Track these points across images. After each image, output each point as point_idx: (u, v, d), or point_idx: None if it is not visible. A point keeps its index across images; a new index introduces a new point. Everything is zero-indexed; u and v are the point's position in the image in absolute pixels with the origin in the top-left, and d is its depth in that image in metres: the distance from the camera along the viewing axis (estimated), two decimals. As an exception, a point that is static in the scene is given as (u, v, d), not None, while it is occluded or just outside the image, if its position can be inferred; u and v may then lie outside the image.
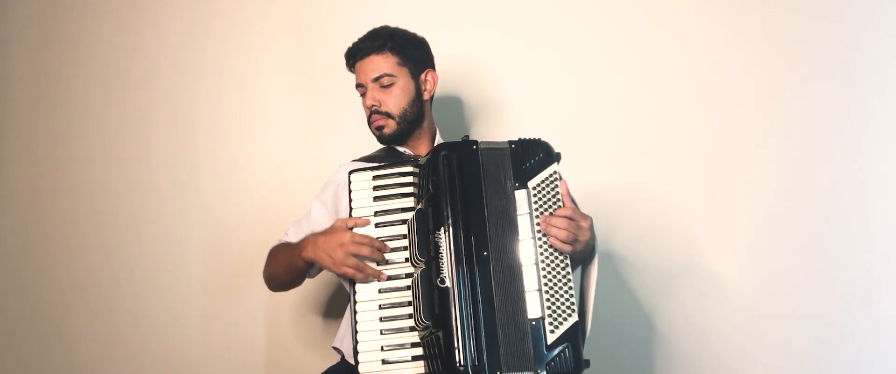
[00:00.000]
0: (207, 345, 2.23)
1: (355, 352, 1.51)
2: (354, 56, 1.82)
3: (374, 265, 1.54)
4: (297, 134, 2.31)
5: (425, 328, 1.47)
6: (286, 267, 1.69)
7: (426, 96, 1.84)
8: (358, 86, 1.83)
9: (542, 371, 1.43)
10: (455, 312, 1.43)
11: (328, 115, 2.30)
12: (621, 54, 2.26)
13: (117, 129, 2.39)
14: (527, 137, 1.57)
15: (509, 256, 1.49)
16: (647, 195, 2.18)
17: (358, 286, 1.55)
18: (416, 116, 1.81)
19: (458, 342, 1.42)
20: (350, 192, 1.61)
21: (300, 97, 2.32)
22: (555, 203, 1.52)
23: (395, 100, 1.79)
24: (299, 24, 2.35)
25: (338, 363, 1.79)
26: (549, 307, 1.46)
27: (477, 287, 1.45)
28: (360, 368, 1.50)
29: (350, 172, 1.63)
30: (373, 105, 1.79)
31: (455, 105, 2.27)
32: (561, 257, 1.49)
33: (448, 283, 1.45)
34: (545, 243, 1.49)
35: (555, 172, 1.54)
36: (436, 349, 1.45)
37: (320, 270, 1.75)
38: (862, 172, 2.14)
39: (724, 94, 2.22)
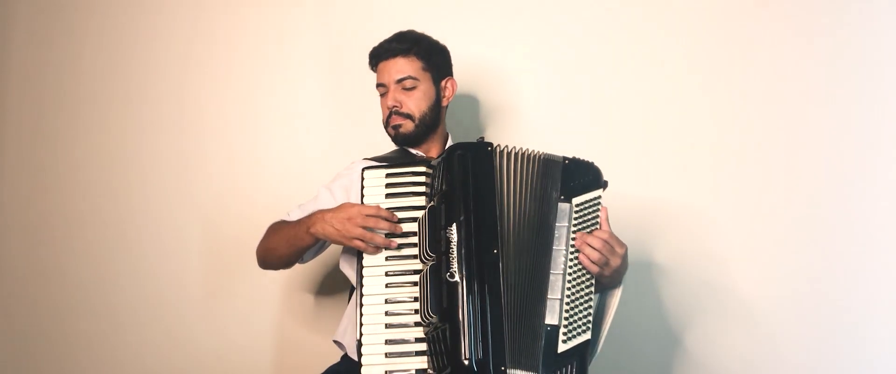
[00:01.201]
0: (211, 343, 2.22)
1: (359, 344, 1.51)
2: (379, 56, 1.85)
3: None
4: (305, 133, 2.32)
5: (430, 322, 1.48)
6: (288, 241, 1.69)
7: (444, 103, 1.89)
8: (379, 86, 1.86)
9: None
10: (462, 306, 1.44)
11: (338, 116, 2.32)
12: (651, 63, 2.26)
13: (120, 127, 2.40)
14: (581, 158, 1.62)
15: (538, 259, 1.52)
16: (675, 211, 2.19)
17: (366, 280, 1.56)
18: (434, 120, 1.85)
19: (464, 336, 1.42)
20: (362, 188, 1.63)
21: (307, 98, 2.34)
22: (593, 225, 1.56)
23: (416, 103, 1.82)
24: (304, 23, 2.38)
25: (338, 363, 1.78)
26: (566, 318, 1.49)
27: (485, 283, 1.47)
28: (363, 360, 1.50)
29: (363, 169, 1.66)
30: (394, 106, 1.82)
31: (471, 105, 2.29)
32: (588, 276, 1.53)
33: (457, 277, 1.47)
34: (577, 258, 1.53)
35: (599, 197, 1.59)
36: (441, 345, 1.45)
37: (315, 254, 1.79)
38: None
39: (765, 108, 2.21)
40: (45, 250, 2.36)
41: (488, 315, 1.45)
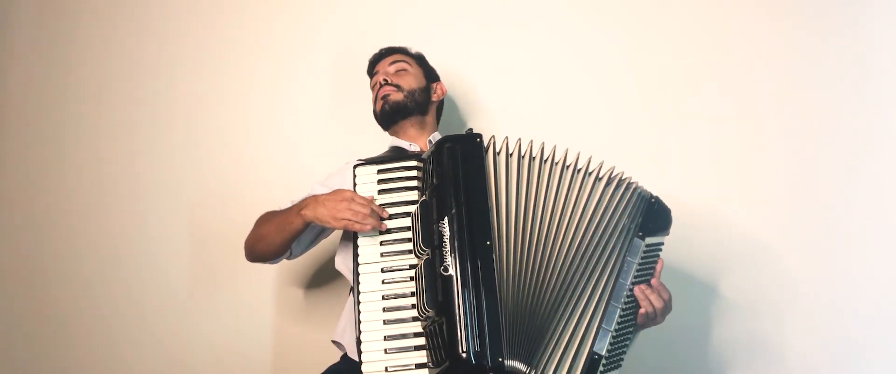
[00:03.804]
0: (208, 343, 2.23)
1: (358, 342, 1.52)
2: (375, 60, 2.01)
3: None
4: (309, 131, 2.33)
5: (427, 316, 1.48)
6: (279, 227, 1.70)
7: (434, 98, 1.97)
8: (372, 76, 1.97)
9: None
10: (458, 299, 1.44)
11: (333, 117, 2.32)
12: (658, 62, 2.24)
13: (116, 128, 2.41)
14: (663, 201, 1.65)
15: (581, 269, 1.54)
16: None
17: (362, 277, 1.56)
18: (423, 101, 1.92)
19: (460, 328, 1.42)
20: (354, 186, 1.64)
21: (302, 99, 2.35)
22: (650, 269, 1.60)
23: (407, 80, 1.92)
24: (299, 26, 2.39)
25: (338, 362, 1.79)
26: (609, 351, 1.51)
27: (479, 276, 1.46)
28: (363, 357, 1.50)
29: (355, 166, 1.66)
30: (385, 78, 1.91)
31: (473, 110, 2.31)
32: (634, 317, 1.57)
33: (451, 271, 1.46)
34: (633, 299, 1.55)
35: (663, 243, 1.63)
36: (439, 339, 1.45)
37: (304, 249, 1.82)
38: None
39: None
40: (40, 250, 2.38)
41: (484, 307, 1.44)
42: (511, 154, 1.59)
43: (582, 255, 1.55)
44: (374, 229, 1.55)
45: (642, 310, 1.56)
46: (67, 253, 2.36)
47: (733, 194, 2.14)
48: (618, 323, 1.53)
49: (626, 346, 1.56)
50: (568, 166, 1.61)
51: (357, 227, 1.55)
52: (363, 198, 1.57)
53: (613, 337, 1.51)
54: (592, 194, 1.60)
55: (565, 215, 1.57)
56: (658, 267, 1.61)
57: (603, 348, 1.50)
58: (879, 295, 2.04)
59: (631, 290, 1.56)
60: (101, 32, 2.47)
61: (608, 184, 1.62)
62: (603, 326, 1.51)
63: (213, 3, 2.43)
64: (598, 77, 2.25)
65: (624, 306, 1.54)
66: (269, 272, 2.19)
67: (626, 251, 1.58)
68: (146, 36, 2.44)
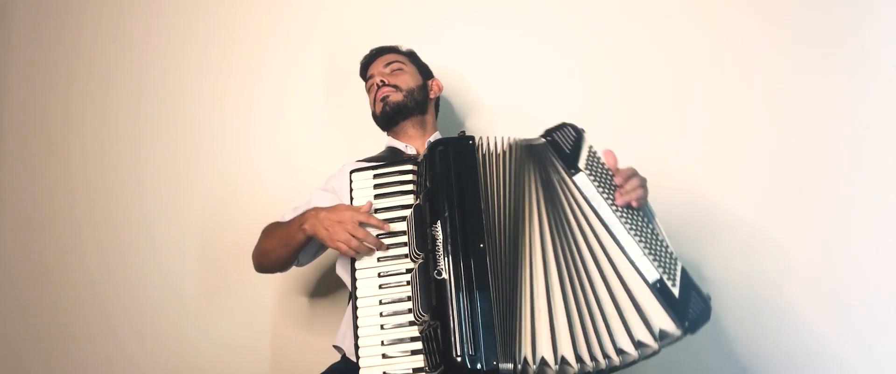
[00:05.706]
0: (207, 346, 2.25)
1: (356, 347, 1.52)
2: (368, 61, 2.01)
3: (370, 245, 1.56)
4: (308, 132, 2.34)
5: (423, 321, 1.47)
6: (283, 241, 1.72)
7: (431, 96, 1.97)
8: (368, 80, 1.97)
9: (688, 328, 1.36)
10: (452, 303, 1.43)
11: (334, 120, 2.33)
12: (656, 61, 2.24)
13: (117, 131, 2.43)
14: (553, 127, 1.57)
15: (566, 241, 1.46)
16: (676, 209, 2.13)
17: (359, 283, 1.56)
18: (422, 100, 1.92)
19: (455, 332, 1.41)
20: (351, 190, 1.64)
21: (303, 102, 2.36)
22: (606, 171, 1.50)
23: (404, 80, 1.93)
24: (301, 30, 2.41)
25: (338, 362, 1.80)
26: (659, 266, 1.41)
27: (473, 279, 1.45)
28: (361, 362, 1.50)
29: (351, 172, 1.66)
30: (382, 79, 1.92)
31: (466, 107, 2.30)
32: (641, 217, 1.47)
33: (444, 275, 1.46)
34: (624, 212, 1.46)
35: (592, 146, 1.54)
36: (434, 343, 1.45)
37: (312, 258, 1.82)
38: None
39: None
40: (41, 251, 2.40)
41: (479, 310, 1.43)
42: (493, 154, 1.56)
43: (591, 227, 1.46)
44: (367, 251, 1.55)
45: (635, 204, 1.46)
46: (71, 254, 2.38)
47: (732, 188, 2.13)
48: (641, 242, 1.42)
49: (664, 244, 1.43)
50: None
51: (351, 254, 1.56)
52: (361, 215, 1.56)
53: (652, 254, 1.41)
54: (519, 168, 1.53)
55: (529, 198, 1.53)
56: (611, 162, 1.51)
57: (653, 273, 1.39)
58: (880, 287, 2.02)
59: (620, 212, 1.45)
60: (107, 36, 2.49)
61: (516, 152, 1.54)
62: (636, 262, 1.40)
63: (214, 5, 2.45)
64: (597, 76, 2.24)
65: (631, 227, 1.43)
66: (270, 276, 2.20)
67: (582, 194, 1.47)
68: (147, 37, 2.46)
